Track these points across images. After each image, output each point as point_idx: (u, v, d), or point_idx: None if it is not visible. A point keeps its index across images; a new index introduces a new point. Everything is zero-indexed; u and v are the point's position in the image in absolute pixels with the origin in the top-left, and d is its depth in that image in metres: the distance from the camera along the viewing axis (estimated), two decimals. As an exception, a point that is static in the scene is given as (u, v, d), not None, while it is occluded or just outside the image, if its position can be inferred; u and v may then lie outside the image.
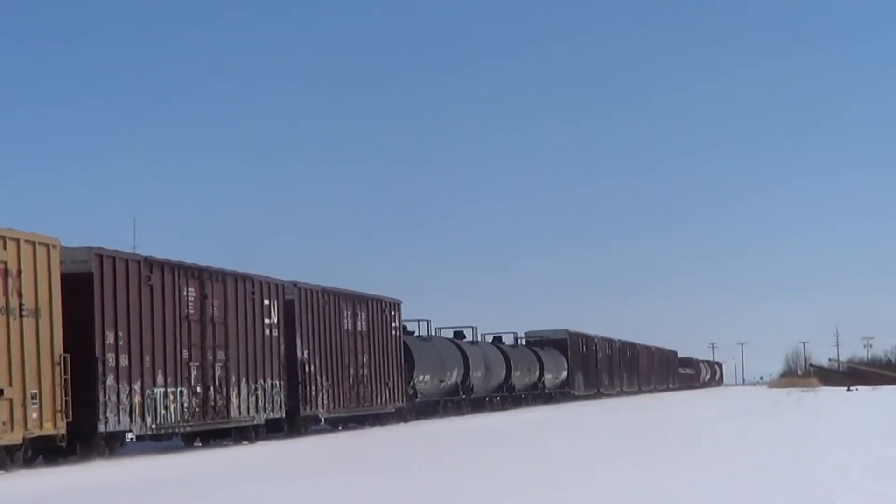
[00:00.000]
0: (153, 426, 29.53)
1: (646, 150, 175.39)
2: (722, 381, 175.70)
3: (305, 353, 38.81)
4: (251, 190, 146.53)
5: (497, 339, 68.54)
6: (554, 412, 60.33)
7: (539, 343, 77.13)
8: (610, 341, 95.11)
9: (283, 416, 37.03)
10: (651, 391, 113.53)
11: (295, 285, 38.56)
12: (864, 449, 24.36)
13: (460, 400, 56.05)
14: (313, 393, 39.19)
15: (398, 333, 47.56)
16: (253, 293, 35.08)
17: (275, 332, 36.54)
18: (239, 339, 34.12)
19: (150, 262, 29.82)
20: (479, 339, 66.44)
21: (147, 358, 29.32)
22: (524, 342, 76.17)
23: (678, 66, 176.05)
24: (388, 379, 46.09)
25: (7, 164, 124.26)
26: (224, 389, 33.13)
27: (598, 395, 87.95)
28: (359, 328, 43.54)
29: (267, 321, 36.00)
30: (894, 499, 15.72)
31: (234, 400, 33.62)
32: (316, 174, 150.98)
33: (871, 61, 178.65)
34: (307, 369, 38.82)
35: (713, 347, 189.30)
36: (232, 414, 33.60)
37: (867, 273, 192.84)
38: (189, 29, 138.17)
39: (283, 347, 37.06)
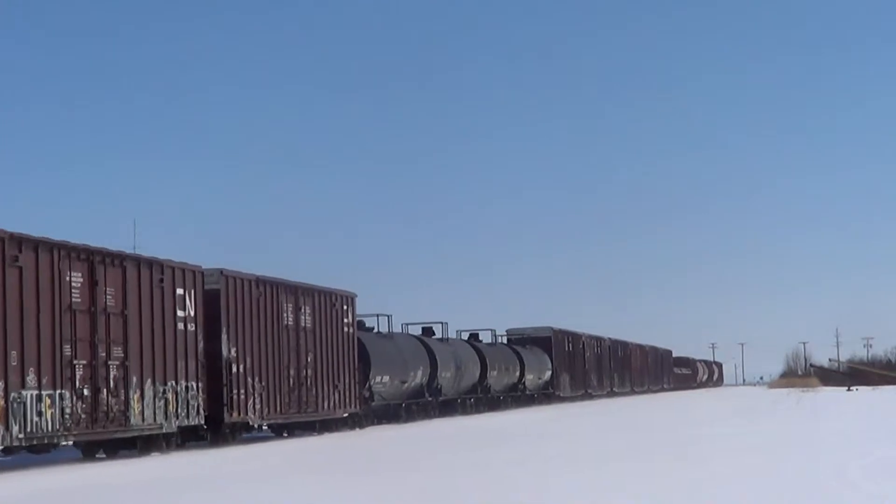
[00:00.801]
0: (21, 436, 24.70)
1: (645, 149, 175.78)
2: (722, 382, 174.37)
3: (233, 350, 33.99)
4: (251, 190, 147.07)
5: (473, 337, 63.73)
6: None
7: (521, 341, 72.39)
8: (599, 339, 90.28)
9: (203, 423, 32.23)
10: (644, 392, 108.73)
11: (221, 273, 33.75)
12: (864, 449, 24.16)
13: (426, 403, 51.22)
14: (242, 397, 34.36)
15: (351, 330, 42.73)
16: (161, 281, 30.25)
17: (190, 327, 31.72)
18: (142, 334, 29.28)
19: (18, 240, 25.01)
20: (454, 335, 61.71)
21: (14, 354, 24.51)
22: (505, 340, 71.46)
23: (677, 65, 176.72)
24: (339, 381, 41.27)
25: (7, 164, 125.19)
26: (121, 392, 28.28)
27: (586, 396, 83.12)
28: (302, 323, 38.73)
29: (180, 313, 31.18)
30: (894, 499, 15.45)
31: (134, 405, 28.77)
32: (316, 174, 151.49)
33: (871, 61, 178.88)
34: (235, 370, 33.99)
35: (713, 347, 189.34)
36: (132, 421, 28.74)
37: (867, 273, 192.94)
38: (189, 29, 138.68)
39: (201, 344, 32.26)
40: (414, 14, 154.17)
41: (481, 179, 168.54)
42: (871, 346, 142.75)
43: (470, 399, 58.24)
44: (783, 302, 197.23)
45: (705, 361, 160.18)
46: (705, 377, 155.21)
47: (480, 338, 63.93)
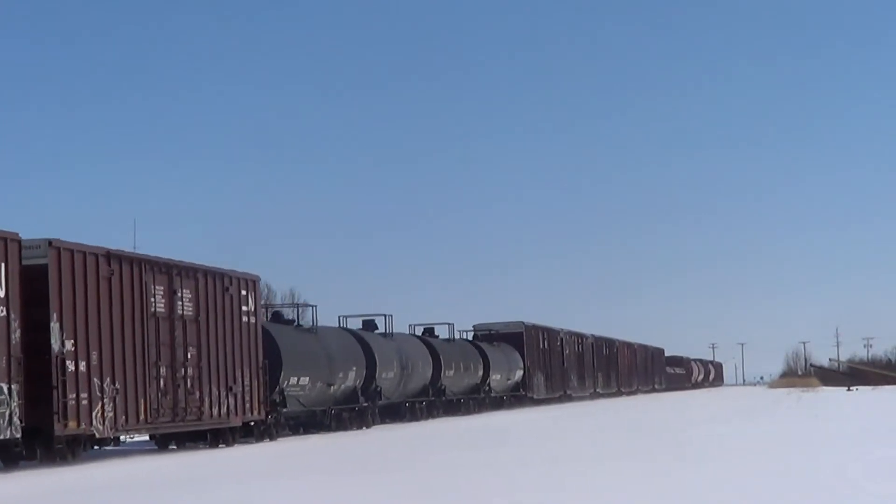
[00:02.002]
0: None
1: (646, 149, 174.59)
2: (722, 381, 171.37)
3: (69, 344, 26.44)
4: (251, 190, 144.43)
5: (428, 332, 56.21)
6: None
7: (488, 338, 64.90)
8: (581, 336, 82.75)
9: (18, 436, 24.73)
10: (633, 393, 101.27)
11: (50, 244, 26.24)
12: (864, 449, 24.14)
13: (363, 409, 43.67)
14: (84, 402, 26.81)
15: (253, 320, 35.24)
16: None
17: (0, 312, 24.27)
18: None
19: None
20: (407, 330, 54.26)
21: None
22: (471, 336, 63.99)
23: (676, 65, 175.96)
24: (234, 382, 33.77)
25: (7, 164, 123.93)
26: None
27: (565, 398, 75.56)
28: (179, 311, 31.22)
29: (-22, 294, 23.73)
30: (894, 499, 15.38)
31: None
32: (315, 174, 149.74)
33: (871, 61, 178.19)
34: (72, 368, 26.45)
35: (713, 347, 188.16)
36: None
37: (867, 273, 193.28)
38: (189, 29, 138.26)
39: (17, 334, 24.79)
40: (415, 14, 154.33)
41: (481, 180, 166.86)
42: (871, 346, 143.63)
43: (421, 403, 50.69)
44: (783, 302, 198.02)
45: (701, 361, 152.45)
46: (701, 377, 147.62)
47: (436, 333, 56.38)
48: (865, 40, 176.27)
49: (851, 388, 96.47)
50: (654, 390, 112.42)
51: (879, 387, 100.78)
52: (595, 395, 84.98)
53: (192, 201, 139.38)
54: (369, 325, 48.61)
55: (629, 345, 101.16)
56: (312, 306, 41.32)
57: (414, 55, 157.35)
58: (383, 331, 48.33)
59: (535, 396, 68.47)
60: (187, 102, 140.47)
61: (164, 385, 30.18)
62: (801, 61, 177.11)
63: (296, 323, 40.28)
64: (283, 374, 36.93)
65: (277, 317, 39.90)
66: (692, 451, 25.09)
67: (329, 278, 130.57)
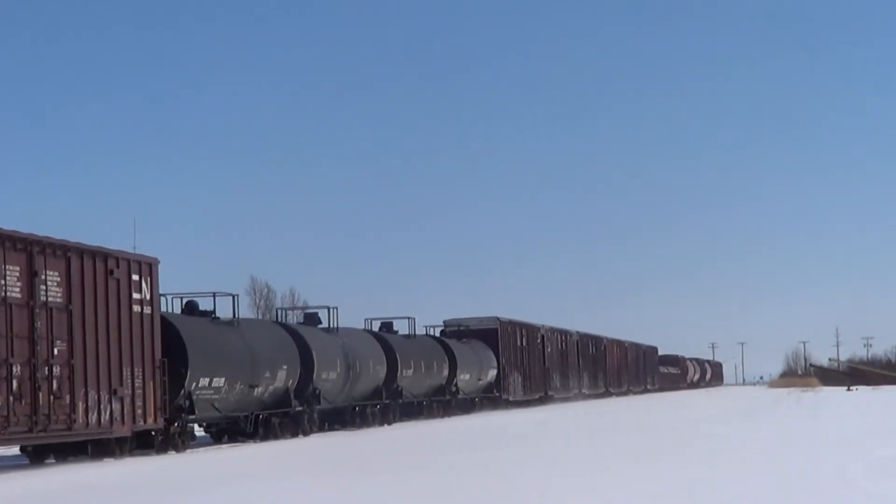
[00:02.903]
0: None
1: (646, 150, 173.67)
2: (722, 381, 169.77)
3: None
4: (251, 190, 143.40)
5: (386, 328, 50.61)
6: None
7: (459, 334, 59.37)
8: (564, 333, 77.16)
9: None
10: (623, 394, 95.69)
11: None
12: (864, 449, 24.16)
13: (297, 414, 38.06)
14: None
15: (149, 311, 29.64)
16: None
17: None
18: None
19: None
20: (364, 325, 48.72)
21: None
22: (440, 332, 58.52)
23: (675, 66, 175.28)
24: (121, 384, 28.19)
25: (7, 164, 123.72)
26: None
27: (546, 399, 69.95)
28: (42, 297, 25.64)
29: None
30: (894, 499, 15.52)
31: None
32: (315, 175, 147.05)
33: (870, 61, 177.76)
34: None
35: (713, 347, 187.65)
36: None
37: (867, 273, 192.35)
38: (189, 29, 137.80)
39: None
40: (415, 14, 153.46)
41: (481, 181, 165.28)
42: (871, 346, 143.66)
43: (374, 406, 45.07)
44: (783, 302, 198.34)
45: (697, 360, 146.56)
46: (697, 377, 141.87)
47: (395, 328, 50.76)
48: (866, 41, 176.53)
49: (851, 387, 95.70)
50: (646, 391, 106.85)
51: (879, 387, 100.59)
52: (580, 397, 79.37)
53: (193, 201, 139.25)
54: (311, 318, 43.04)
55: (619, 342, 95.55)
56: (233, 295, 35.63)
57: (410, 56, 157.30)
58: (328, 325, 42.72)
59: (510, 398, 62.90)
60: (187, 102, 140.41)
61: (19, 387, 24.60)
62: (800, 61, 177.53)
63: (213, 315, 34.61)
64: (190, 374, 31.34)
65: (191, 308, 34.30)
66: (693, 450, 24.94)
67: (329, 278, 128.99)
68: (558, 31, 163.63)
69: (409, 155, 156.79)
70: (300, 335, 39.00)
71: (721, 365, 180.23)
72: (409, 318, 50.91)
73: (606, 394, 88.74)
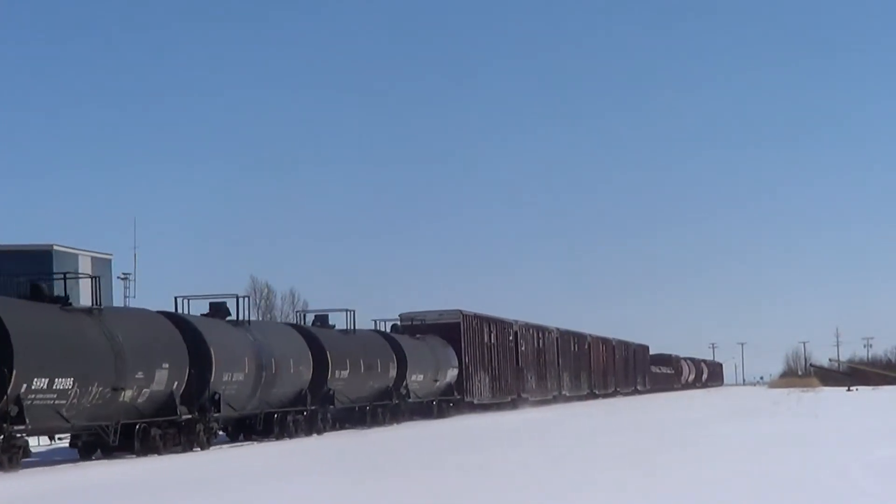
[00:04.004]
0: None
1: (646, 151, 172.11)
2: (722, 381, 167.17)
3: None
4: (250, 191, 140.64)
5: (321, 321, 43.63)
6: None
7: (416, 329, 52.48)
8: (542, 329, 70.18)
9: None
10: (610, 395, 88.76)
11: None
12: (864, 449, 24.17)
13: (188, 423, 31.06)
14: None
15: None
16: None
17: None
18: None
19: None
20: (295, 318, 41.75)
21: None
22: (392, 327, 51.63)
23: (674, 66, 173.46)
24: None
25: (6, 164, 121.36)
26: None
27: (518, 402, 62.95)
28: None
29: None
30: (894, 499, 15.53)
31: None
32: (315, 176, 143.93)
33: (868, 62, 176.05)
34: None
35: (713, 347, 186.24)
36: None
37: (867, 273, 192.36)
38: (191, 30, 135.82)
39: None
40: (415, 14, 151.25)
41: (481, 181, 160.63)
42: (871, 346, 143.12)
43: (300, 413, 38.05)
44: (783, 302, 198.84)
45: (692, 359, 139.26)
46: (692, 377, 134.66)
47: (330, 321, 43.74)
48: (867, 42, 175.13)
49: (851, 388, 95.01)
50: (635, 392, 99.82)
51: (879, 387, 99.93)
52: (561, 399, 72.41)
53: (193, 202, 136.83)
54: (219, 310, 36.00)
55: (605, 340, 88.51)
56: (95, 277, 28.58)
57: (409, 56, 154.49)
58: (236, 317, 35.73)
59: (475, 401, 55.94)
60: (187, 103, 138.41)
61: None
62: (800, 63, 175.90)
63: (65, 301, 27.58)
64: (16, 374, 24.38)
65: (36, 292, 27.33)
66: (694, 449, 25.08)
67: (329, 278, 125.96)
68: (557, 32, 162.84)
69: (408, 155, 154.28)
70: (193, 327, 32.09)
71: (721, 365, 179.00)
72: (347, 310, 43.85)
73: (591, 395, 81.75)
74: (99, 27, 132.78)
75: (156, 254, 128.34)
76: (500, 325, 61.42)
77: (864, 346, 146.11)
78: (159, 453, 29.85)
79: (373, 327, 49.85)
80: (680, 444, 28.06)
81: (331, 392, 40.08)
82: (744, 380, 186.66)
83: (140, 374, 28.83)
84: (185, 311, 33.91)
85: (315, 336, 39.97)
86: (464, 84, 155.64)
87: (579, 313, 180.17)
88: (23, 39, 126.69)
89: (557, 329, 73.99)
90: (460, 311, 55.61)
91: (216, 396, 32.36)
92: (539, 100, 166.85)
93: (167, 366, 30.01)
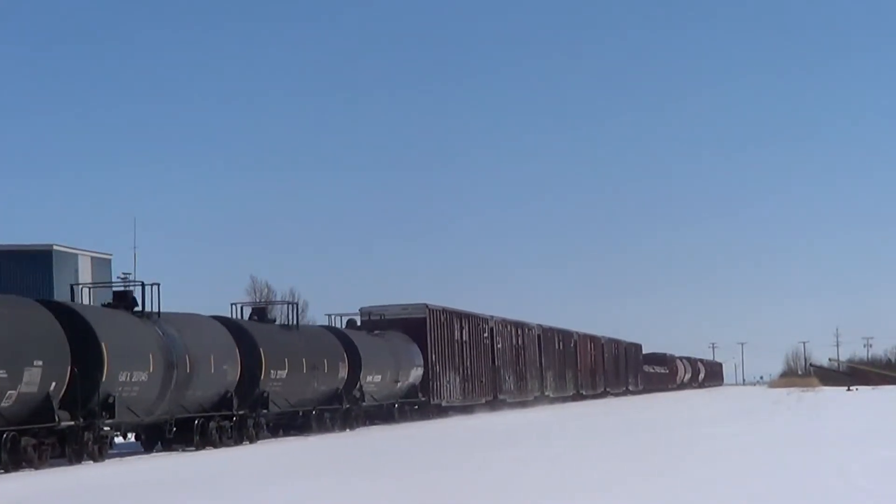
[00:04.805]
0: None
1: (647, 151, 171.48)
2: (722, 381, 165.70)
3: None
4: (250, 191, 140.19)
5: (258, 315, 38.61)
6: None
7: (376, 325, 47.45)
8: (522, 326, 65.16)
9: None
10: (599, 396, 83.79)
11: None
12: (864, 449, 24.18)
13: (72, 433, 26.04)
14: None
15: None
16: None
17: None
18: None
19: None
20: (231, 312, 36.78)
21: None
22: (348, 322, 46.70)
23: (674, 68, 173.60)
24: None
25: (6, 164, 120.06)
26: None
27: (495, 404, 57.92)
28: None
29: None
30: (894, 499, 15.55)
31: None
32: (315, 176, 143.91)
33: (870, 64, 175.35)
34: None
35: (713, 347, 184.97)
36: None
37: (867, 273, 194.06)
38: (191, 31, 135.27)
39: None
40: (415, 15, 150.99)
41: (480, 182, 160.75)
42: (871, 346, 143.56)
43: (224, 419, 32.98)
44: (783, 302, 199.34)
45: (688, 359, 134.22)
46: (688, 377, 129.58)
47: (271, 315, 38.70)
48: (867, 43, 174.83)
49: (851, 387, 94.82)
50: (627, 392, 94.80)
51: (879, 387, 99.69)
52: (544, 400, 67.37)
53: (193, 202, 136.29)
54: (123, 299, 30.97)
55: (593, 338, 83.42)
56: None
57: (412, 57, 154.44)
58: (143, 308, 30.68)
59: (443, 403, 50.91)
60: (188, 103, 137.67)
61: None
62: (800, 64, 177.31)
63: None
64: None
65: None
66: (694, 449, 24.88)
67: (329, 278, 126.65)
68: (557, 32, 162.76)
69: (408, 155, 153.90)
70: (81, 318, 27.11)
71: (721, 365, 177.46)
72: (289, 302, 38.74)
73: (578, 396, 76.68)
74: (99, 27, 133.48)
75: (156, 254, 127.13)
76: (474, 320, 56.41)
77: (864, 346, 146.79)
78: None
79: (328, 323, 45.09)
80: (679, 444, 27.91)
81: (265, 394, 35.02)
82: (744, 380, 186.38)
83: (2, 374, 23.81)
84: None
85: (245, 330, 34.93)
86: (463, 84, 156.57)
87: (579, 313, 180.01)
88: (23, 39, 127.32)
89: (540, 325, 68.95)
90: (426, 305, 50.58)
91: (110, 399, 27.38)
92: (539, 100, 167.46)
93: (40, 363, 24.98)
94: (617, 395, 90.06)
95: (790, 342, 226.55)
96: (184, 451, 31.17)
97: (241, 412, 33.63)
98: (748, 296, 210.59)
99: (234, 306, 37.60)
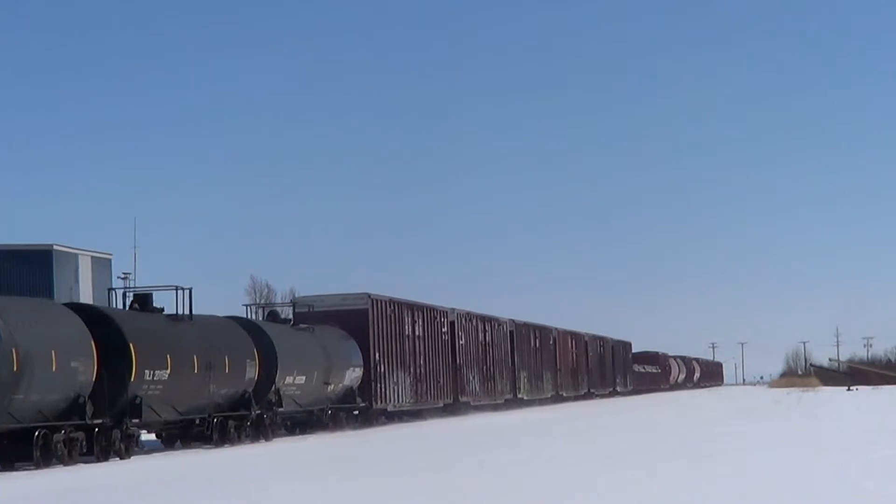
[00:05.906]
0: None
1: (647, 151, 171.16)
2: (721, 381, 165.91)
3: None
4: (250, 191, 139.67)
5: (141, 302, 31.64)
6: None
7: (311, 318, 40.70)
8: (490, 320, 58.38)
9: None
10: (583, 397, 77.08)
11: None
12: (864, 449, 23.92)
13: None
14: None
15: None
16: None
17: None
18: None
19: None
20: (116, 301, 29.89)
21: None
22: (268, 314, 39.97)
23: (673, 68, 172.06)
24: None
25: (6, 164, 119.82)
26: None
27: (455, 408, 51.13)
28: None
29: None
30: (894, 499, 15.54)
31: None
32: (315, 176, 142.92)
33: (870, 64, 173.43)
34: None
35: (713, 347, 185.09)
36: None
37: (867, 273, 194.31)
38: (190, 31, 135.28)
39: None
40: (415, 15, 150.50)
41: (480, 182, 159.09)
42: (871, 346, 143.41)
43: (78, 430, 26.08)
44: (783, 302, 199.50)
45: (682, 358, 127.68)
46: (682, 377, 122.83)
47: (152, 304, 31.70)
48: (868, 43, 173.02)
49: (851, 387, 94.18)
50: (614, 393, 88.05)
51: (879, 387, 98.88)
52: (514, 403, 60.57)
53: (193, 202, 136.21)
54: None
55: (574, 334, 76.58)
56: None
57: (411, 58, 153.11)
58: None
59: (390, 408, 44.10)
60: (187, 103, 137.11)
61: None
62: (800, 65, 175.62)
63: None
64: None
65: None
66: (695, 449, 24.63)
67: (330, 278, 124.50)
68: (557, 33, 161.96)
69: (409, 155, 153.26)
70: (112, 321, 20.75)
71: (721, 364, 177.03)
72: (179, 287, 31.71)
73: (557, 398, 69.86)
74: (99, 27, 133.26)
75: (156, 254, 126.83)
76: (430, 312, 49.61)
77: (864, 346, 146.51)
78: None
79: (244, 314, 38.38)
80: (679, 443, 27.84)
81: (138, 400, 28.15)
82: (744, 379, 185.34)
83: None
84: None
85: (111, 320, 27.98)
86: (466, 83, 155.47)
87: (578, 314, 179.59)
88: (23, 39, 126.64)
89: (512, 321, 62.16)
90: (368, 295, 43.76)
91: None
92: (539, 100, 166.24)
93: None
94: (603, 396, 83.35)
95: (790, 342, 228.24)
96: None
97: (99, 421, 26.74)
98: (748, 295, 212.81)
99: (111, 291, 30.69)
